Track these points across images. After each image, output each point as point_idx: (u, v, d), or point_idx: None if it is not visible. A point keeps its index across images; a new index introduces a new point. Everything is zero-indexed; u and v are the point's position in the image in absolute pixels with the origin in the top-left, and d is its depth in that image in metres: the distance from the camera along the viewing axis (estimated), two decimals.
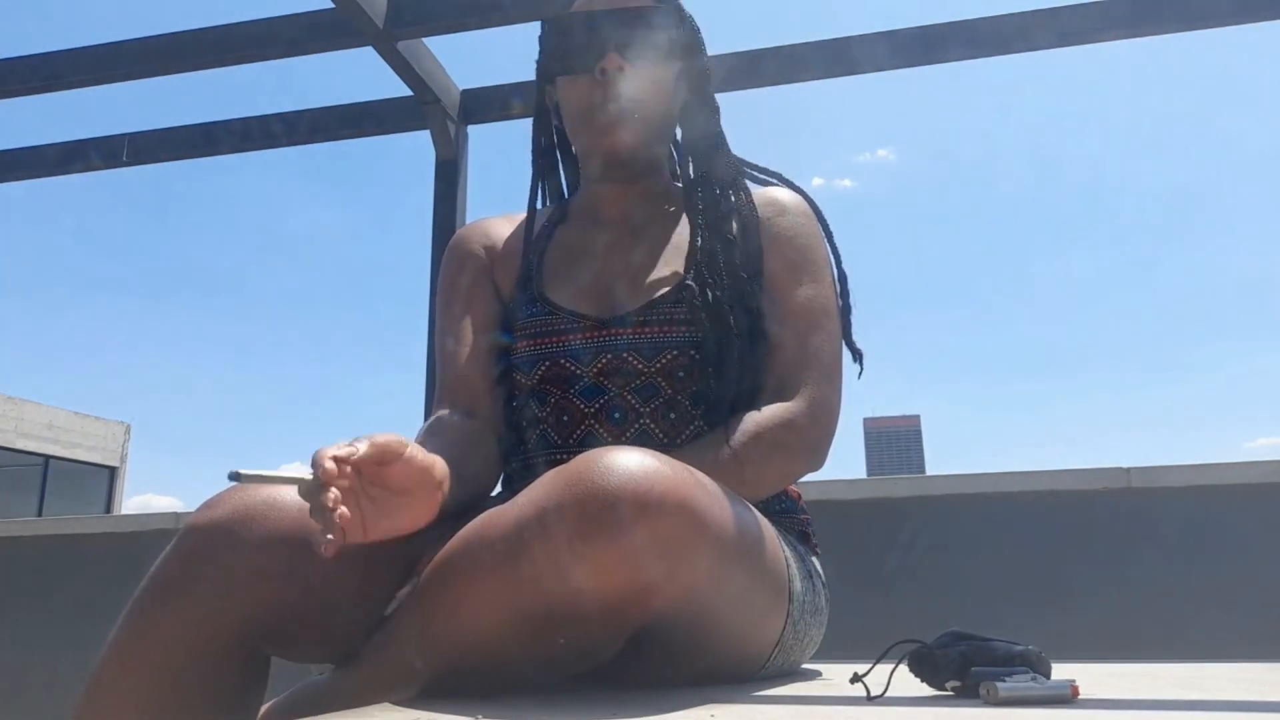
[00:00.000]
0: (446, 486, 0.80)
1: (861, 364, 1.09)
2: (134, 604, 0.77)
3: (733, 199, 1.09)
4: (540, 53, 1.15)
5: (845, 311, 1.11)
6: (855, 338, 1.10)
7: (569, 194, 1.21)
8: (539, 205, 1.17)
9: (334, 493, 0.68)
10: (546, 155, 1.19)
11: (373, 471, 0.73)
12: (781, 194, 1.12)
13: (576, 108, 1.08)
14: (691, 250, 1.04)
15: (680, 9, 1.12)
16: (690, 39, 1.12)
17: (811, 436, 0.98)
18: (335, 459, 0.69)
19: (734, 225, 1.06)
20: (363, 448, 0.71)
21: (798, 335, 1.01)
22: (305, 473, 0.70)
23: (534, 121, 1.19)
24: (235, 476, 0.66)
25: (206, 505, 0.79)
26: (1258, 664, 1.19)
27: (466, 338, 1.08)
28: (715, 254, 1.02)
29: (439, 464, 0.79)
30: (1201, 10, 2.23)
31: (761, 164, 1.16)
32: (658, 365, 0.99)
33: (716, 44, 1.15)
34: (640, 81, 1.06)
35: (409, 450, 0.74)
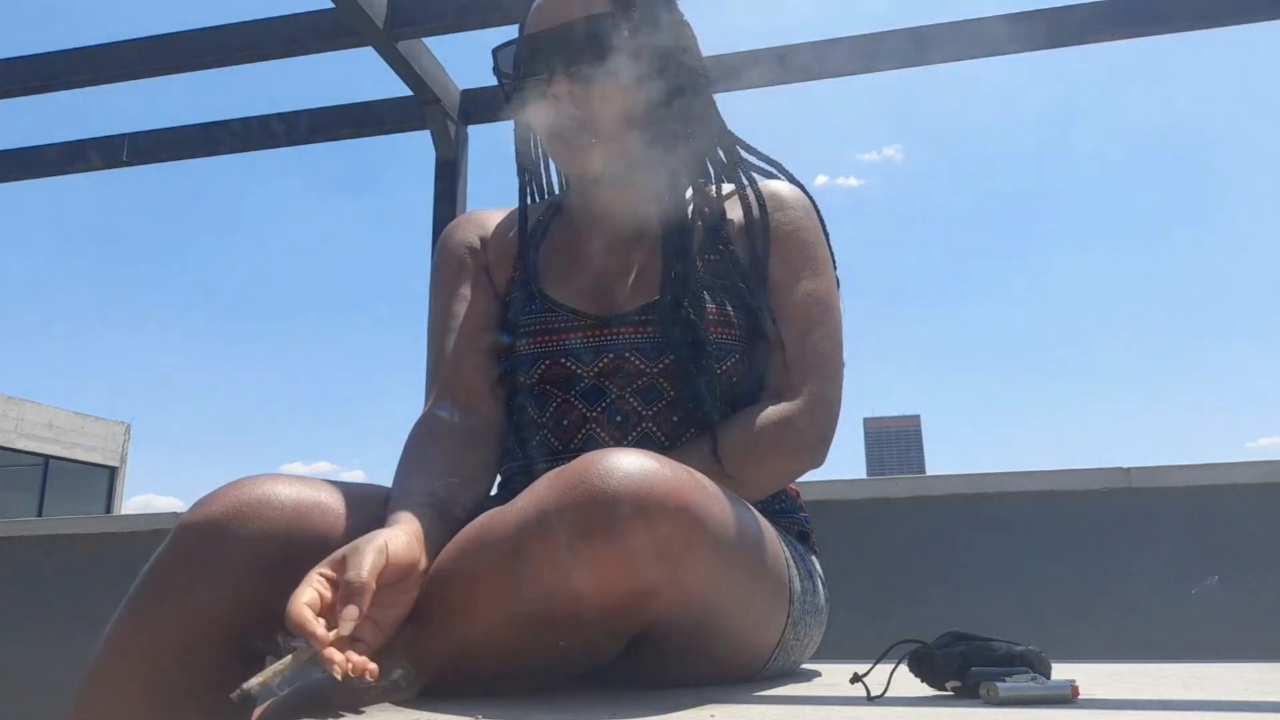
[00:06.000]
0: (424, 564, 0.76)
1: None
2: (129, 600, 0.77)
3: (724, 207, 1.06)
4: (495, 69, 1.10)
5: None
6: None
7: (562, 189, 1.18)
8: (530, 201, 1.15)
9: (336, 654, 0.65)
10: (530, 157, 1.16)
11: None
12: (781, 188, 1.10)
13: (539, 128, 1.06)
14: (665, 275, 1.00)
15: (635, 10, 1.01)
16: (657, 38, 1.04)
17: (810, 435, 0.97)
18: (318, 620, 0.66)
19: (731, 229, 1.05)
20: (365, 602, 0.68)
21: (797, 333, 1.01)
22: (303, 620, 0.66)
23: (515, 126, 1.16)
24: (243, 695, 0.62)
25: (201, 502, 0.80)
26: (1258, 664, 1.19)
27: (463, 334, 1.06)
28: (687, 278, 0.99)
29: (421, 560, 0.75)
30: (1201, 10, 2.23)
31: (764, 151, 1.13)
32: (659, 365, 0.98)
33: (717, 43, 1.13)
34: (595, 102, 0.99)
35: (392, 559, 0.71)
